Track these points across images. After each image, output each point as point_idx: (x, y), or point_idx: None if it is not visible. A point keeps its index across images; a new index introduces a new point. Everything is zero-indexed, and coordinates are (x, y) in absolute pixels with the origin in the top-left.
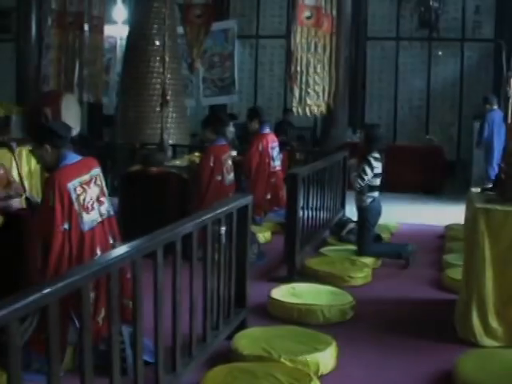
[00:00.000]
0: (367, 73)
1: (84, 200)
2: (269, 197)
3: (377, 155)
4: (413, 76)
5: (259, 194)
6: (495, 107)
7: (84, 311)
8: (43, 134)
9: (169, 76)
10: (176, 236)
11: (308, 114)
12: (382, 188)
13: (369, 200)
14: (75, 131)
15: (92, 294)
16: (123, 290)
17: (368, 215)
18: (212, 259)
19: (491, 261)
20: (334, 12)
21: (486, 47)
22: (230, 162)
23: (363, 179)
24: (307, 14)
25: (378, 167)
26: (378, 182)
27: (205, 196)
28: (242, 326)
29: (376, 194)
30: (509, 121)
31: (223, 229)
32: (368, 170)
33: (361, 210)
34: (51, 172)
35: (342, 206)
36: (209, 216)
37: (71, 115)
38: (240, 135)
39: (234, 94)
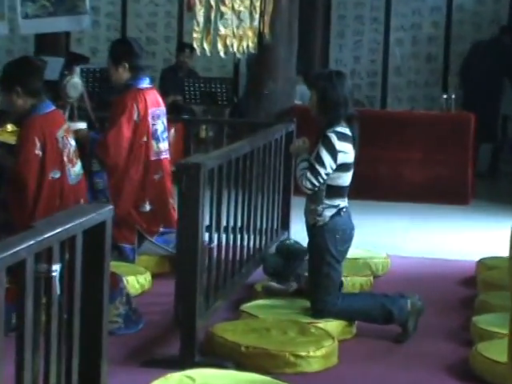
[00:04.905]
0: None
1: None
2: (148, 208)
3: (344, 130)
4: None
5: (128, 201)
6: None
7: None
8: None
9: None
10: None
11: (222, 53)
12: (358, 194)
13: (328, 213)
14: None
15: None
16: None
17: (328, 241)
18: (34, 325)
19: None
20: None
21: None
22: (72, 143)
23: (319, 174)
24: None
25: (348, 152)
26: (346, 179)
27: (35, 207)
28: None
29: (342, 201)
30: None
31: (56, 268)
32: (327, 156)
33: (315, 231)
34: None
35: (285, 223)
36: (27, 244)
37: None
38: (97, 91)
39: (84, 15)
